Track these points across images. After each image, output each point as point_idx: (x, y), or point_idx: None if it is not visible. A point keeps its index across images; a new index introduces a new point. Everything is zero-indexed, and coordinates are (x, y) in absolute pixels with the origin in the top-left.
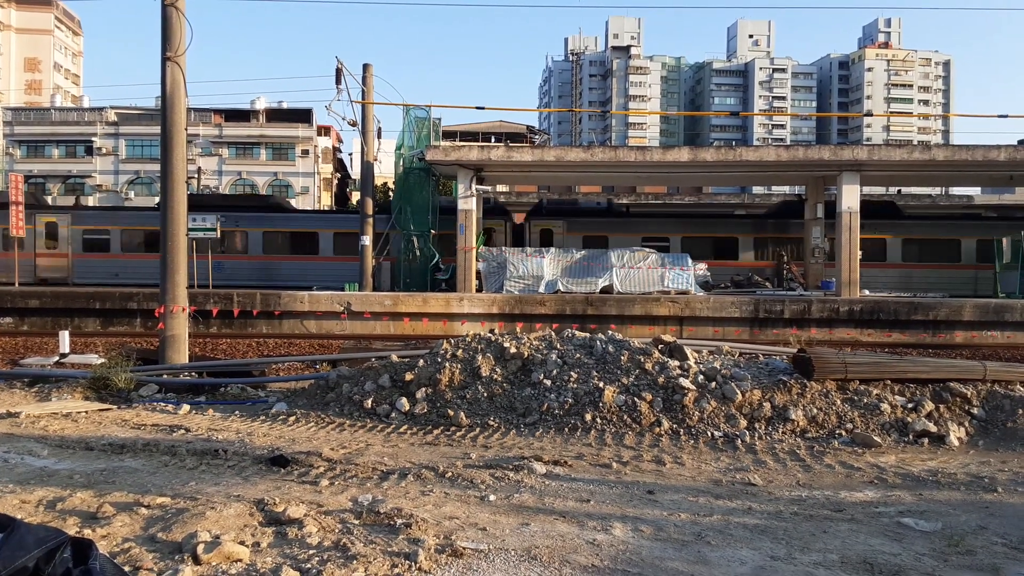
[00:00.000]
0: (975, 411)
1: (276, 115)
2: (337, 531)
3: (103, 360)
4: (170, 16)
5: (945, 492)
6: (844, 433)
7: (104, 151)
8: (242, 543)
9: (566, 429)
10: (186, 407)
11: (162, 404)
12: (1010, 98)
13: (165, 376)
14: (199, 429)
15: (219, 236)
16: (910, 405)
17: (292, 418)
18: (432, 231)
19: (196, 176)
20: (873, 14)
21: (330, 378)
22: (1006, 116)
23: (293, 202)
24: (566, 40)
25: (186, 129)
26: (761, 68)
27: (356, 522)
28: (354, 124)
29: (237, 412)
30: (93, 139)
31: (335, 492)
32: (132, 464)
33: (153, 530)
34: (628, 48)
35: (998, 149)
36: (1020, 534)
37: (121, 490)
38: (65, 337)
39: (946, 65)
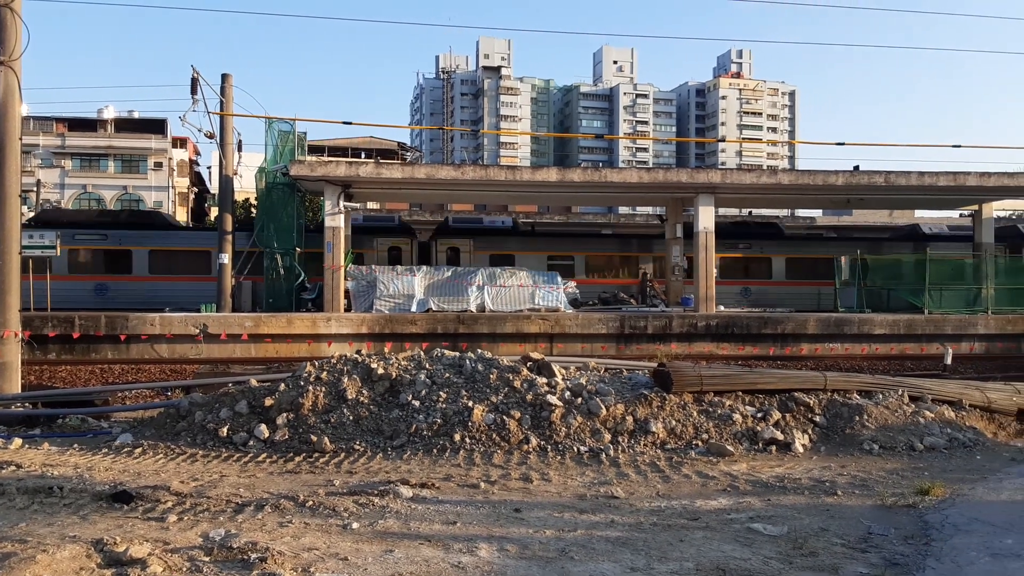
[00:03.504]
0: (818, 419)
1: (126, 125)
2: (185, 569)
3: None
4: (4, 17)
5: (791, 497)
6: (700, 443)
7: None
8: None
9: (435, 450)
10: (18, 441)
11: None
12: (847, 126)
13: None
14: (32, 465)
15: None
16: (759, 415)
17: (139, 450)
18: (298, 249)
19: (35, 189)
20: (726, 45)
21: (181, 406)
22: (843, 143)
23: None
24: (437, 58)
25: (21, 139)
26: (625, 93)
27: (206, 559)
28: (211, 136)
29: (76, 445)
30: None
31: (184, 528)
32: None
33: None
34: (499, 69)
35: (836, 174)
36: (857, 534)
37: None
38: None
39: (791, 95)
